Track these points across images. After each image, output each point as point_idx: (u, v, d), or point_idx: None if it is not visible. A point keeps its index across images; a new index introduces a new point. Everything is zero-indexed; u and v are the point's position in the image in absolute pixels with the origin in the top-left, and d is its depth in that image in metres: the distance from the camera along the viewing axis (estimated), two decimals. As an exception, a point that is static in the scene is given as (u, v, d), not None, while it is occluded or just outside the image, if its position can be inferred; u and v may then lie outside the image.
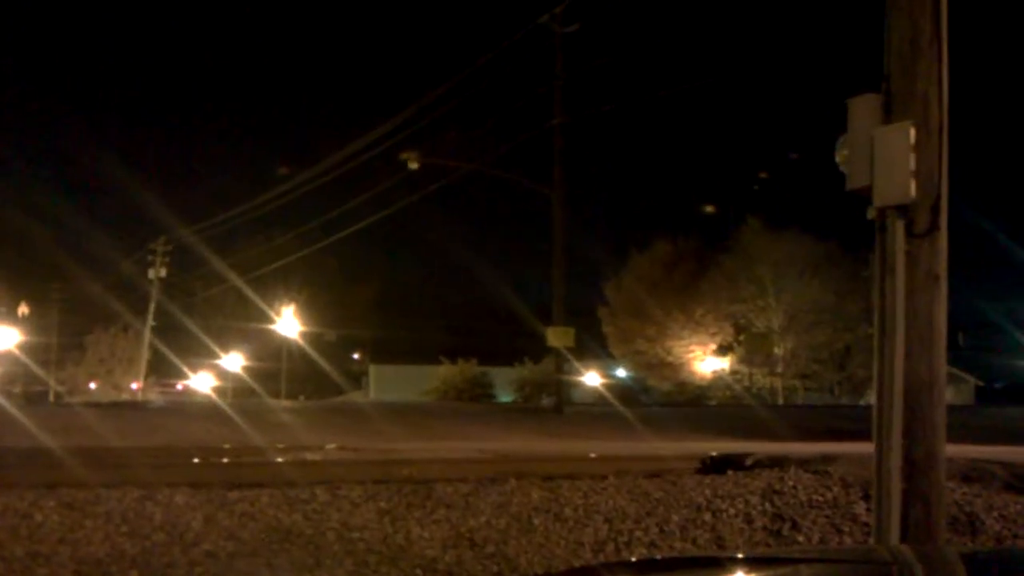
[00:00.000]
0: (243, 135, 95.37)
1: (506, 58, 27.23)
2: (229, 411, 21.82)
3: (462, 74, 28.38)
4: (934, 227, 5.83)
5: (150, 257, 48.99)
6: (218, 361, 52.60)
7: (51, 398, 51.32)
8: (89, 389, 56.67)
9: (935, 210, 5.83)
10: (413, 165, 29.44)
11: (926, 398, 5.80)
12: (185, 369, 51.82)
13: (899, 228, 5.84)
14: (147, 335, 49.66)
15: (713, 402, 44.47)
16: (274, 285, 53.00)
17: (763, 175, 40.45)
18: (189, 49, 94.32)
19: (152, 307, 49.25)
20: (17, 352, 51.17)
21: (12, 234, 56.79)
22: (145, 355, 50.16)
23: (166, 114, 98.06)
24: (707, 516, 8.29)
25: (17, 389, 50.88)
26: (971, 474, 9.29)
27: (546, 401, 32.62)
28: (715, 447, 11.95)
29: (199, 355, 51.26)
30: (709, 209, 45.26)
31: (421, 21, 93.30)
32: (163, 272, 49.05)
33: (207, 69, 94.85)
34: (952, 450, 6.13)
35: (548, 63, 27.22)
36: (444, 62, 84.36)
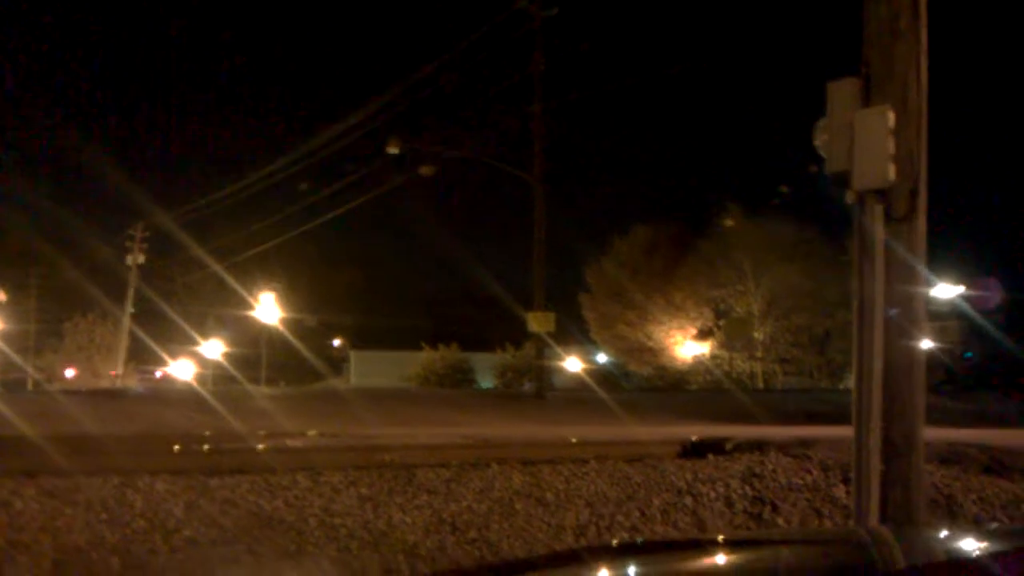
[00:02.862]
0: (223, 120, 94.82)
1: (486, 43, 27.19)
2: (209, 398, 21.74)
3: (442, 59, 28.33)
4: (913, 211, 5.86)
5: (128, 243, 48.72)
6: (198, 348, 52.35)
7: (30, 385, 51.00)
8: (68, 376, 56.36)
9: (914, 194, 5.85)
10: (393, 150, 29.35)
11: (904, 381, 5.83)
12: (164, 356, 51.56)
13: (878, 212, 5.86)
14: (126, 322, 49.40)
15: (693, 387, 44.58)
16: (254, 271, 52.81)
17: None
18: (167, 32, 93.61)
19: (131, 294, 48.99)
20: (-6, 339, 50.84)
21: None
22: (124, 342, 49.90)
23: (145, 98, 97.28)
24: (688, 500, 8.34)
25: (-5, 377, 50.59)
26: (950, 457, 9.37)
27: (527, 387, 32.69)
28: (695, 431, 12.00)
29: (178, 342, 50.95)
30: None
31: (398, 6, 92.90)
32: (141, 258, 48.79)
33: (186, 52, 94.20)
34: (931, 433, 6.17)
35: (528, 48, 27.18)
36: (421, 47, 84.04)
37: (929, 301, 6.07)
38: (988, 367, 36.89)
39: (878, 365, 5.82)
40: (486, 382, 45.60)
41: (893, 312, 5.81)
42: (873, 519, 5.71)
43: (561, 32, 28.18)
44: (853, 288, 6.08)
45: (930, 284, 5.98)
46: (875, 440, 5.77)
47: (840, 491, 8.43)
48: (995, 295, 34.00)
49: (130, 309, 49.31)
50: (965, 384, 32.08)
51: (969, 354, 38.04)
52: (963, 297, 34.07)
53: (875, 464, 5.76)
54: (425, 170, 29.56)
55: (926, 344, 5.97)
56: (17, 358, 51.51)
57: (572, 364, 42.32)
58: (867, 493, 5.79)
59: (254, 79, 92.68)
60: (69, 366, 57.37)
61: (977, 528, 5.29)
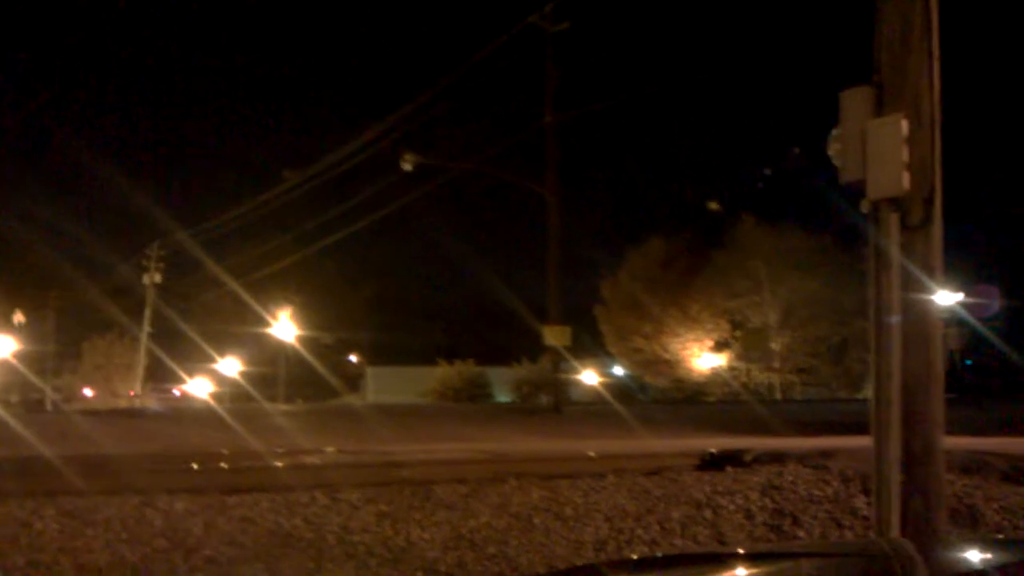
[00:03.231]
0: (237, 138, 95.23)
1: (498, 57, 27.25)
2: (227, 416, 21.79)
3: (455, 74, 28.40)
4: (928, 219, 5.84)
5: (145, 263, 48.90)
6: (215, 366, 52.51)
7: (48, 406, 51.20)
8: (86, 396, 56.60)
9: (929, 203, 5.83)
10: (407, 166, 29.39)
11: (923, 391, 5.80)
12: (182, 374, 51.72)
13: (893, 221, 5.84)
14: (144, 341, 49.54)
15: (711, 399, 44.45)
16: (270, 288, 52.94)
17: (768, 171, 40.16)
18: (183, 52, 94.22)
19: (148, 313, 49.13)
20: (13, 361, 51.05)
21: (6, 241, 56.63)
22: (142, 361, 50.05)
23: (160, 117, 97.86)
24: (707, 513, 8.30)
25: (15, 398, 50.79)
26: (970, 466, 9.30)
27: (544, 400, 32.64)
28: (714, 443, 11.94)
29: (196, 360, 51.13)
30: (713, 206, 44.98)
31: (411, 21, 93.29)
32: (158, 278, 48.94)
33: (201, 71, 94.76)
34: (950, 442, 6.14)
35: (541, 62, 27.25)
36: (435, 62, 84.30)
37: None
38: (988, 374, 36.71)
39: (896, 374, 5.79)
40: (503, 396, 45.59)
41: (895, 320, 5.78)
42: (894, 530, 5.68)
43: (574, 45, 28.26)
44: (870, 297, 6.06)
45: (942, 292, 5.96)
46: (894, 450, 5.74)
47: (860, 502, 8.38)
48: (994, 302, 33.85)
49: (147, 328, 49.45)
50: (967, 391, 31.95)
51: (969, 361, 37.87)
52: (963, 304, 33.98)
53: (895, 475, 5.73)
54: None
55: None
56: (36, 379, 51.76)
57: (588, 377, 42.24)
58: (887, 504, 5.76)
59: (269, 96, 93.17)
60: (87, 386, 57.62)
61: (999, 538, 5.25)
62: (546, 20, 26.60)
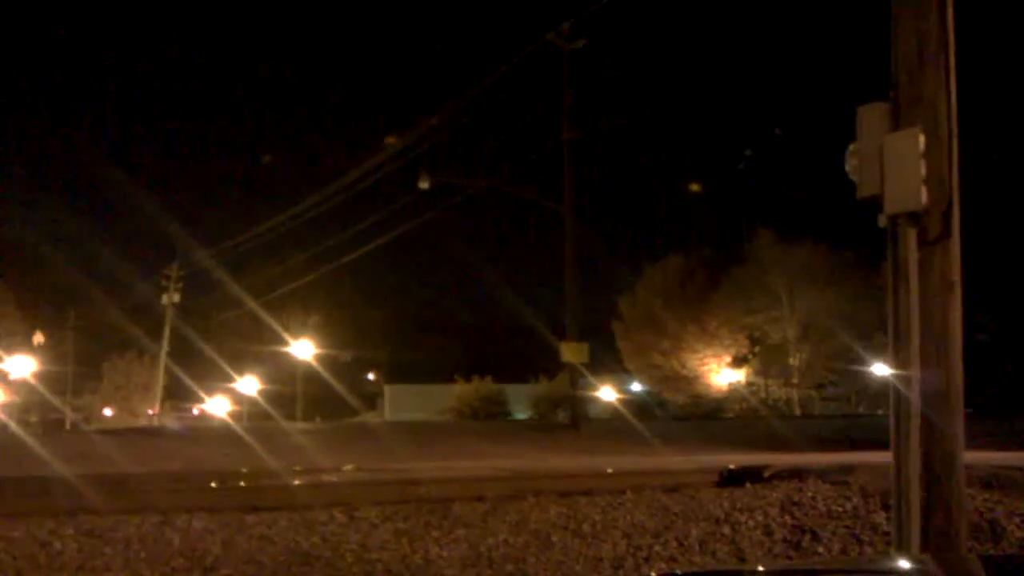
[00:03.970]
0: (257, 158, 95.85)
1: (515, 76, 27.32)
2: (245, 435, 21.82)
3: (471, 92, 28.50)
4: (946, 233, 5.81)
5: (164, 282, 49.14)
6: (233, 385, 52.64)
7: (68, 426, 51.40)
8: (105, 416, 56.80)
9: (947, 216, 5.81)
10: (424, 185, 29.49)
11: (943, 405, 5.76)
12: (201, 394, 51.85)
13: (911, 235, 5.82)
14: (163, 360, 49.74)
15: (730, 415, 44.30)
16: (288, 307, 53.11)
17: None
18: (203, 72, 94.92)
19: (167, 332, 49.34)
20: (33, 381, 51.30)
21: (26, 261, 57.05)
22: (161, 380, 50.22)
23: (180, 137, 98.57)
24: (726, 529, 8.26)
25: (34, 418, 51.02)
26: (992, 481, 9.23)
27: (562, 417, 32.57)
28: (732, 459, 11.89)
29: (215, 379, 51.29)
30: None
31: (428, 41, 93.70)
32: (177, 297, 49.17)
33: (222, 92, 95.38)
34: (969, 456, 6.09)
35: (557, 79, 27.31)
36: (451, 81, 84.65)
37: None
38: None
39: (916, 389, 5.76)
40: (520, 413, 45.50)
41: (914, 334, 5.75)
42: (915, 546, 5.63)
43: (590, 62, 28.32)
44: (888, 311, 6.03)
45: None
46: (914, 465, 5.70)
47: (880, 517, 8.33)
48: None
49: (166, 348, 49.64)
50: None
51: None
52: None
53: (915, 490, 5.69)
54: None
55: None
56: (55, 399, 51.96)
57: (606, 394, 42.17)
58: (908, 519, 5.72)
59: (289, 115, 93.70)
60: (107, 405, 57.82)
61: (1022, 554, 5.21)
62: (562, 38, 26.66)
